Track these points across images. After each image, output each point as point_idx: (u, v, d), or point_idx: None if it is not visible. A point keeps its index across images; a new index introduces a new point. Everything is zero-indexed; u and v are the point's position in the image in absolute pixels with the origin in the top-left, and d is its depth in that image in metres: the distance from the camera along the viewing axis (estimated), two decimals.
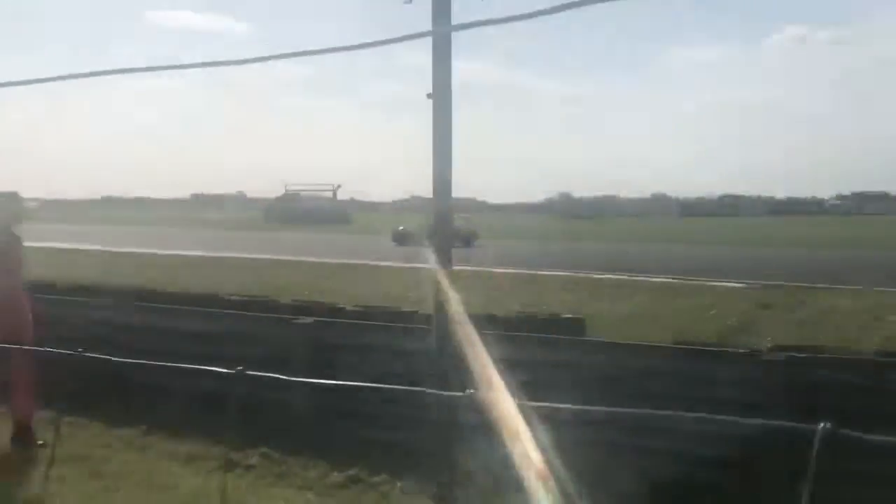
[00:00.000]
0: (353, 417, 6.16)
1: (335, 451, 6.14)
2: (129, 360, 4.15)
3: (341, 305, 9.00)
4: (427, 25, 3.69)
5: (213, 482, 5.80)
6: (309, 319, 7.38)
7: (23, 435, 6.52)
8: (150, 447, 6.60)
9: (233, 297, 10.42)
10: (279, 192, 68.45)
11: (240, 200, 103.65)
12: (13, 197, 7.15)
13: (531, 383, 3.01)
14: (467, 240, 38.03)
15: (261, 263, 23.60)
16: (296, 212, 59.72)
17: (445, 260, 3.36)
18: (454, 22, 3.52)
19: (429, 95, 3.14)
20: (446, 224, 3.32)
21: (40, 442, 6.45)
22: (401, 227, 41.39)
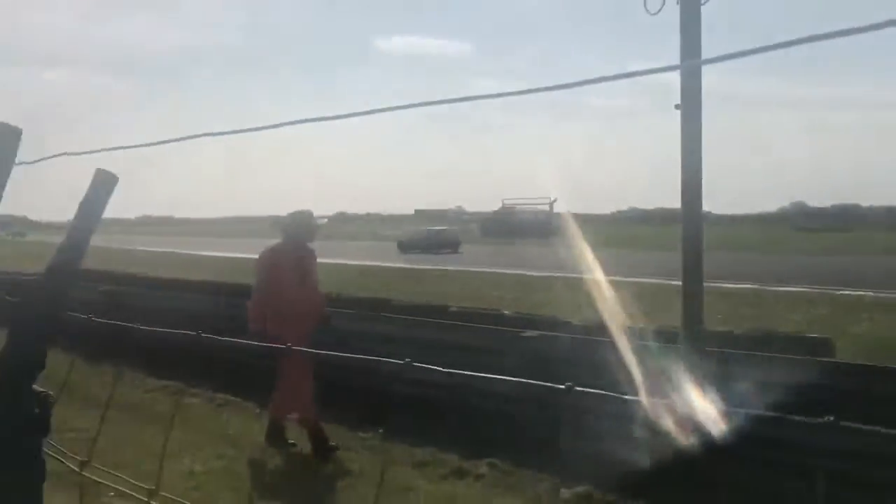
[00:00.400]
0: (575, 431, 6.07)
1: (562, 464, 6.10)
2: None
3: (566, 319, 8.93)
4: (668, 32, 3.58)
5: (445, 488, 6.00)
6: (534, 333, 7.40)
7: (274, 431, 6.91)
8: (387, 451, 6.96)
9: (453, 309, 10.74)
10: (496, 206, 69.90)
11: (459, 215, 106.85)
12: (308, 214, 7.41)
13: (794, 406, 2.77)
14: (454, 245, 43.55)
15: (473, 275, 24.17)
16: (511, 225, 60.59)
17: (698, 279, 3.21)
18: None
19: (676, 106, 3.05)
20: (698, 231, 3.17)
21: (291, 441, 6.92)
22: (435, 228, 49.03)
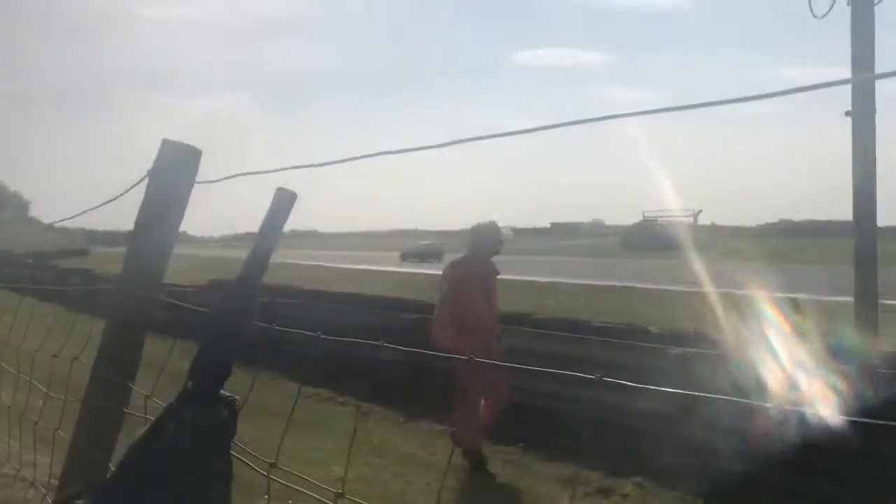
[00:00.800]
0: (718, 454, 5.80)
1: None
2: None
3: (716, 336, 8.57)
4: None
5: None
6: (680, 350, 7.15)
7: (471, 458, 6.63)
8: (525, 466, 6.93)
9: (597, 324, 10.54)
10: (636, 219, 68.36)
11: (597, 228, 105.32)
12: (493, 227, 7.11)
13: None
14: (439, 255, 48.37)
15: (613, 290, 23.64)
16: (652, 238, 58.98)
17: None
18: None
19: (847, 113, 2.86)
20: (871, 245, 2.96)
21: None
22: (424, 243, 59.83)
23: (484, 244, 6.90)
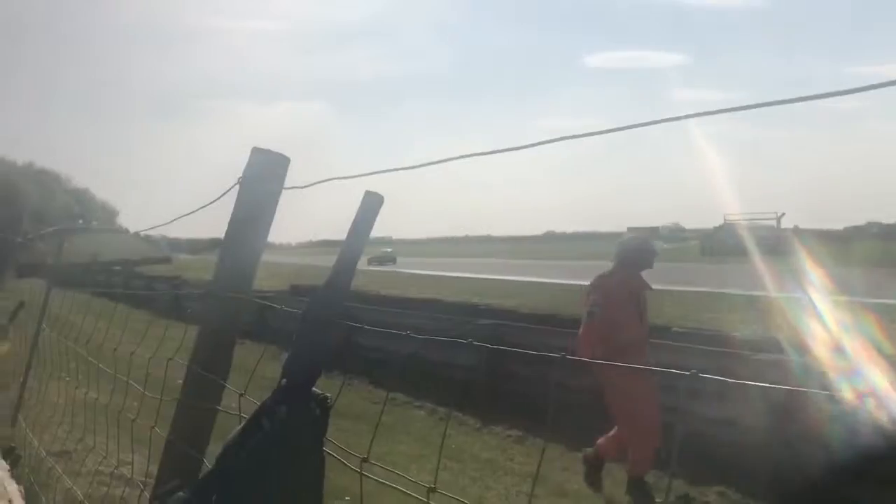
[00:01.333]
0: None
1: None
2: None
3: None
4: None
5: None
6: (770, 357, 6.96)
7: (637, 486, 6.17)
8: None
9: (678, 329, 10.36)
10: (718, 222, 66.69)
11: (675, 231, 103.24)
12: (645, 239, 6.80)
13: None
14: (393, 260, 55.57)
15: (691, 295, 23.05)
16: (734, 243, 57.47)
17: None
18: None
19: None
20: None
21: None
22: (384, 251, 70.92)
23: (633, 257, 6.42)
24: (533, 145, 1.46)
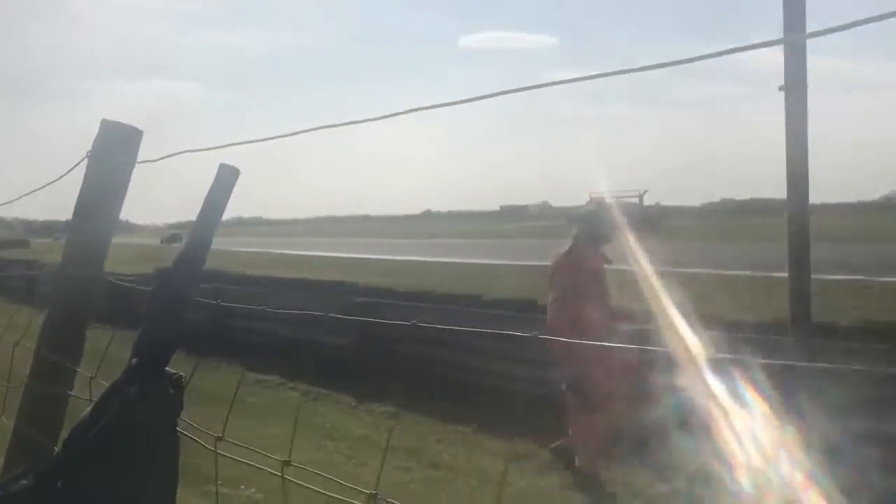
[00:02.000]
0: None
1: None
2: None
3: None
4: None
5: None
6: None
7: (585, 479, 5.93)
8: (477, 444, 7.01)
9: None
10: (584, 199, 69.05)
11: (544, 210, 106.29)
12: (605, 211, 6.21)
13: None
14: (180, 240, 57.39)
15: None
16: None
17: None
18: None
19: (781, 88, 2.95)
20: (803, 224, 3.08)
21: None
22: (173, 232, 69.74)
23: (591, 231, 6.07)
24: (397, 114, 1.46)
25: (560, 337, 5.43)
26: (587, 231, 6.07)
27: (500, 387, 7.71)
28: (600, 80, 1.27)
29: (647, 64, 1.18)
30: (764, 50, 1.15)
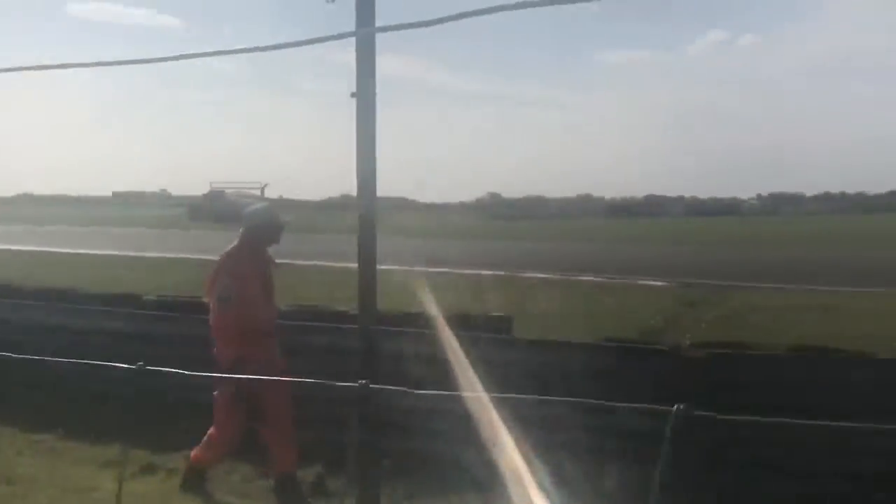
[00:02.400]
0: None
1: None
2: None
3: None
4: (353, 25, 3.63)
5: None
6: None
7: (284, 484, 5.68)
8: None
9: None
10: (204, 189, 66.86)
11: (163, 198, 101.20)
12: (274, 212, 6.07)
13: None
14: None
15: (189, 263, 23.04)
16: (222, 210, 58.39)
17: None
18: (380, 22, 3.48)
19: (353, 95, 3.11)
20: (370, 224, 3.34)
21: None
22: None
23: (259, 232, 5.84)
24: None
25: (227, 347, 5.51)
26: (253, 231, 5.86)
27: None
28: (226, 67, 1.21)
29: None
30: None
